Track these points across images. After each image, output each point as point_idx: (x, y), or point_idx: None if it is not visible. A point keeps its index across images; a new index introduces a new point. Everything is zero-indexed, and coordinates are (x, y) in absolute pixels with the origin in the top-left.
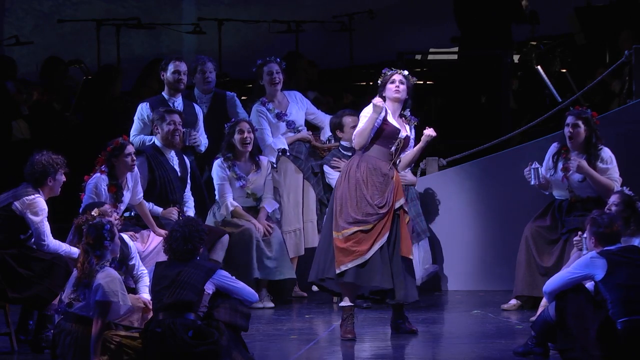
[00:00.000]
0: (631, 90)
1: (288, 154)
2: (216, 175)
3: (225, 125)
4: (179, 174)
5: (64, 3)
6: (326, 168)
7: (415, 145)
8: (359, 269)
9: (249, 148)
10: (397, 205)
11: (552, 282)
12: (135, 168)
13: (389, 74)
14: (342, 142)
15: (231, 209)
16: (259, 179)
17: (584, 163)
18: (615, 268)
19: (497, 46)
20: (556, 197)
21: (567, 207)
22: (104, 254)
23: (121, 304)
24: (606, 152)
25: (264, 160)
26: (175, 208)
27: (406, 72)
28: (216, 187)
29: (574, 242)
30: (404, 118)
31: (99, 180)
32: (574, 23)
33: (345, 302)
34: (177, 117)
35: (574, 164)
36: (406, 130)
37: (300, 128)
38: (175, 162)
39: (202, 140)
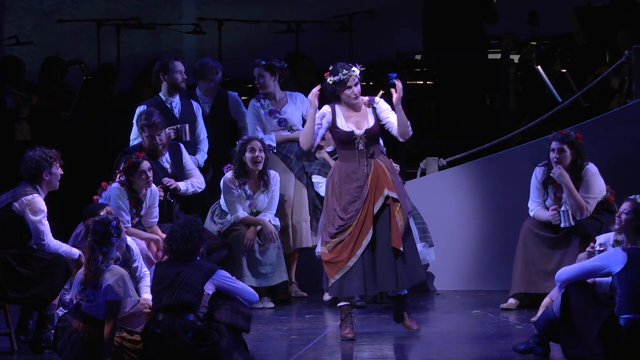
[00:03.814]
0: (631, 90)
1: (275, 150)
2: (227, 191)
3: (237, 142)
4: (170, 171)
5: (64, 2)
6: (314, 177)
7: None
8: (341, 281)
9: (260, 167)
10: (378, 203)
11: (567, 271)
12: (155, 189)
13: (343, 76)
14: (327, 149)
15: (241, 217)
16: (266, 197)
17: (565, 173)
18: (633, 264)
19: (470, 46)
20: None
21: None
22: (110, 250)
23: (130, 299)
24: (591, 168)
25: (273, 175)
26: (160, 186)
27: (357, 71)
28: (226, 201)
29: (587, 251)
30: (365, 104)
31: (121, 192)
32: (574, 23)
33: (342, 302)
34: (154, 130)
35: (556, 171)
36: (367, 122)
37: (294, 128)
38: (164, 159)
39: (199, 158)
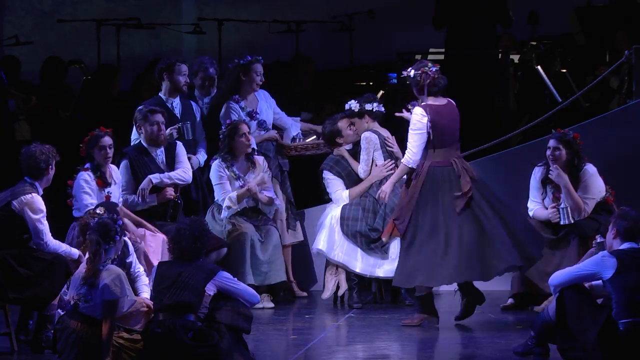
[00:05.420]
0: (631, 90)
1: (257, 152)
2: (215, 176)
3: (222, 127)
4: (166, 171)
5: (64, 2)
6: (325, 173)
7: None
8: None
9: (250, 149)
10: None
11: (559, 276)
12: (115, 167)
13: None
14: (346, 147)
15: (234, 196)
16: (256, 177)
17: (563, 173)
18: (624, 269)
19: (482, 47)
20: None
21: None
22: (110, 249)
23: (127, 298)
24: (590, 168)
25: (259, 159)
26: (171, 187)
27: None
28: (216, 187)
29: (593, 245)
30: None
31: (87, 177)
32: (574, 23)
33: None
34: (159, 117)
35: (554, 172)
36: None
37: (268, 127)
38: (160, 159)
39: (199, 157)
